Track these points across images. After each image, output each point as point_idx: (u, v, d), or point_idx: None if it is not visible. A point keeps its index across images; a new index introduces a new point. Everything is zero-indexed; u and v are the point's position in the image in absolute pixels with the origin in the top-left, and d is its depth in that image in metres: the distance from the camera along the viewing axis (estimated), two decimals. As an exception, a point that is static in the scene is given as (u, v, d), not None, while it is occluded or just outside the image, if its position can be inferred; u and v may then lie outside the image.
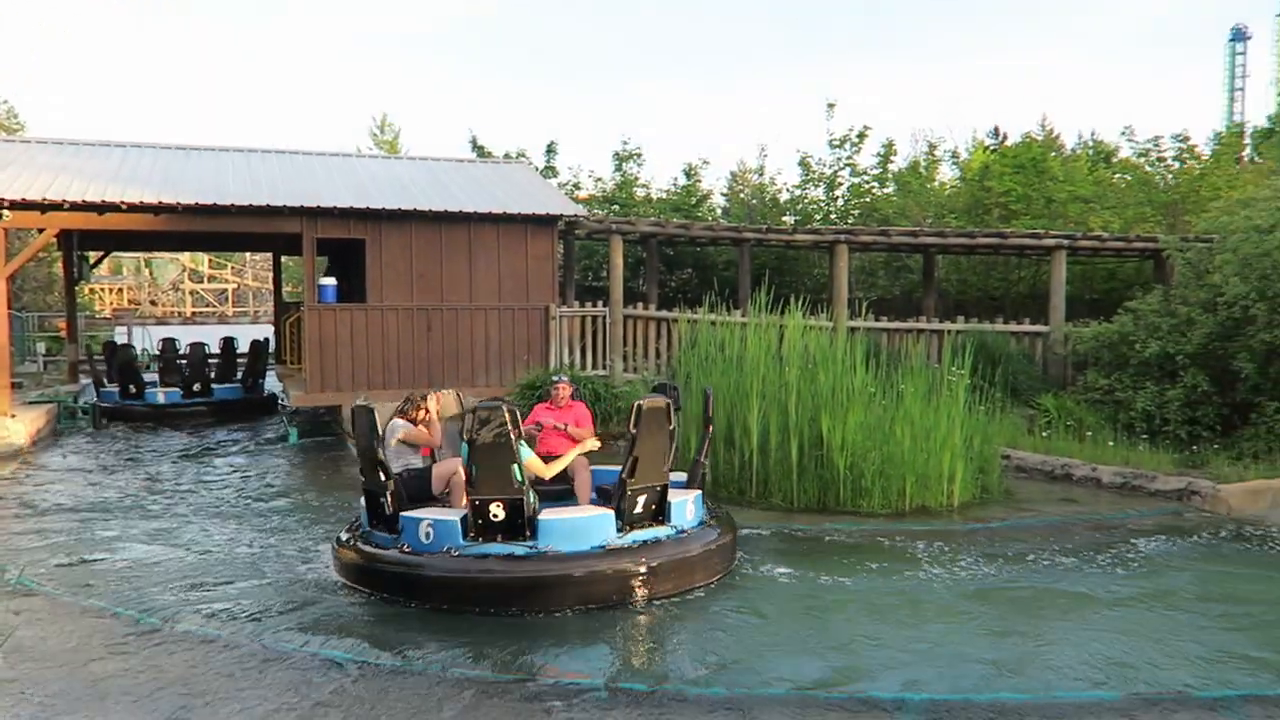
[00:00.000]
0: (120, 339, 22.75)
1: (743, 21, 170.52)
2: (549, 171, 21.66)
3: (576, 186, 22.09)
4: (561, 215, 14.19)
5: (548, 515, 6.29)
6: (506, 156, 20.59)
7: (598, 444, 7.52)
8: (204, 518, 8.82)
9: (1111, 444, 11.03)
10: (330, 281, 13.68)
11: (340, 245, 15.35)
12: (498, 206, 13.91)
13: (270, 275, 25.57)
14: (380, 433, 6.60)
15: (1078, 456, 10.73)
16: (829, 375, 9.65)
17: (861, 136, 21.59)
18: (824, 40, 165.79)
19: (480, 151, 22.01)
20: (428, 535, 6.30)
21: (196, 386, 16.07)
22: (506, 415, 6.00)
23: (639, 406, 6.44)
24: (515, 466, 6.08)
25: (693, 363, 10.62)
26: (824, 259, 19.06)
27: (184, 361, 16.38)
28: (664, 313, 14.69)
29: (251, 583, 6.79)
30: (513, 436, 6.02)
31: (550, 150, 22.05)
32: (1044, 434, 11.76)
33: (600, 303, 14.80)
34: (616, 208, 21.05)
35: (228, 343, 17.52)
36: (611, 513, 6.41)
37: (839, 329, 12.35)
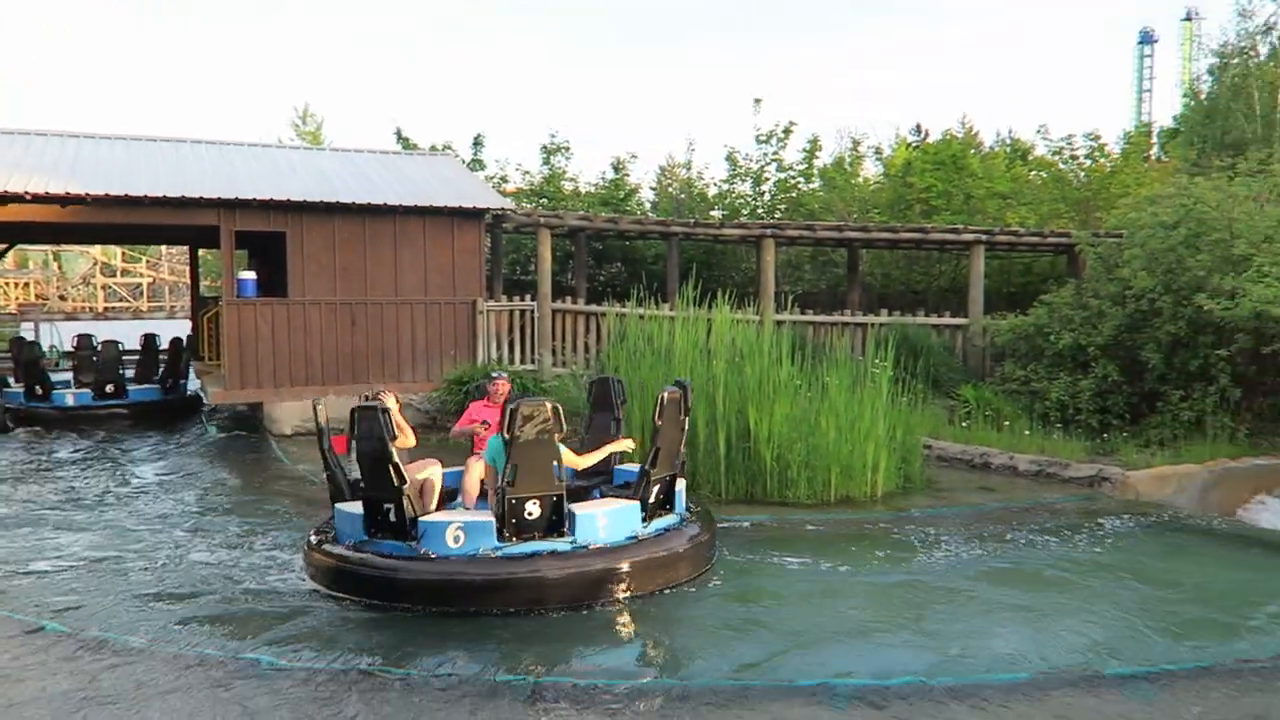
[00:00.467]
0: (28, 336, 21.73)
1: (673, 17, 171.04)
2: (476, 164, 21.42)
3: (504, 180, 21.89)
4: (489, 208, 14.06)
5: (581, 510, 6.34)
6: (433, 149, 20.29)
7: (631, 444, 7.52)
8: (143, 527, 8.43)
9: (1028, 433, 11.37)
10: (250, 275, 13.32)
11: (261, 238, 14.95)
12: (423, 199, 13.71)
13: (187, 269, 24.82)
14: (394, 434, 6.29)
15: (996, 445, 11.03)
16: (756, 368, 9.75)
17: (787, 132, 21.82)
18: (753, 36, 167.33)
19: (406, 144, 21.63)
20: (457, 539, 6.08)
21: (110, 388, 14.83)
22: (550, 411, 6.08)
23: (662, 398, 6.64)
24: (556, 463, 6.16)
25: (621, 356, 10.63)
26: (751, 253, 19.24)
27: (96, 359, 15.39)
28: (593, 306, 14.66)
29: (221, 594, 6.43)
30: (555, 434, 6.08)
31: (477, 143, 21.82)
32: (964, 424, 12.06)
33: (528, 297, 14.71)
34: (545, 201, 20.93)
35: (149, 340, 16.38)
36: (638, 503, 6.54)
37: (765, 322, 12.50)
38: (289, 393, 12.94)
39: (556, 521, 6.17)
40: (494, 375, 7.95)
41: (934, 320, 14.85)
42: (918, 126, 28.12)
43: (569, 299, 14.99)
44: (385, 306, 13.52)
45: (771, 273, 15.20)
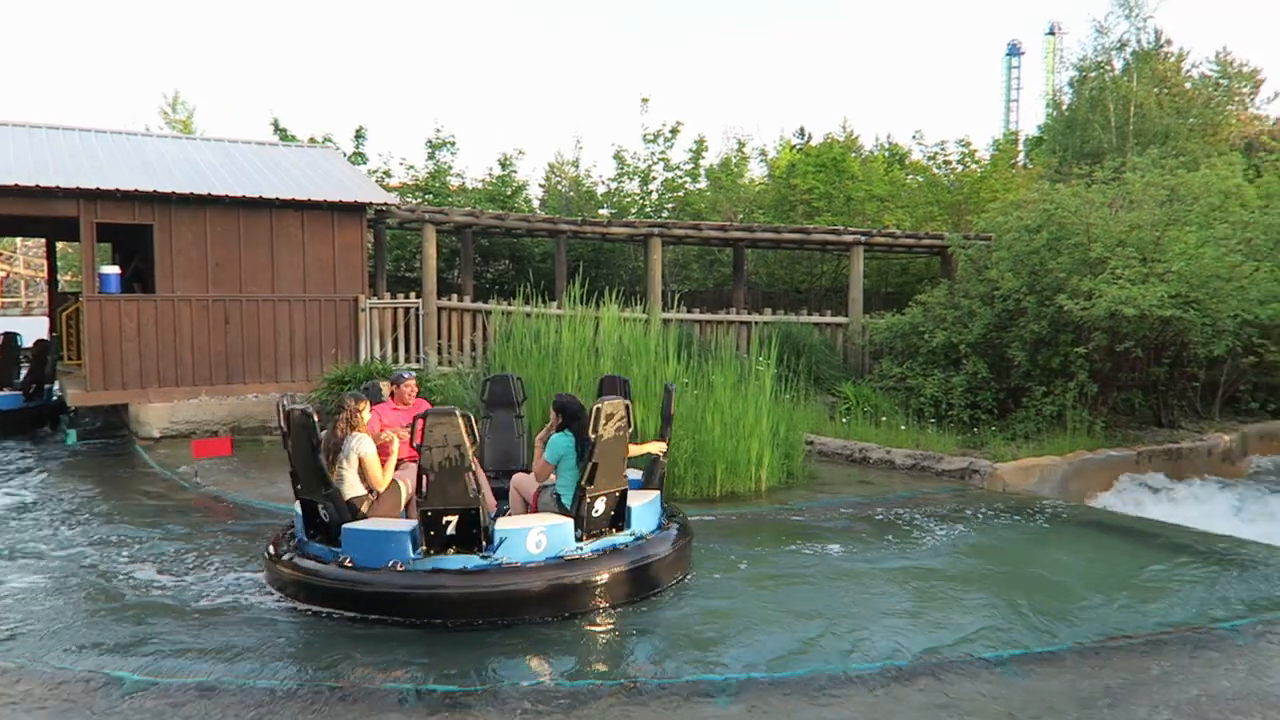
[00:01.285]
0: None
1: (560, 10, 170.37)
2: (358, 158, 20.88)
3: (387, 174, 21.41)
4: (371, 203, 13.70)
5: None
6: (312, 141, 19.67)
7: (664, 447, 7.22)
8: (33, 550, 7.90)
9: (904, 428, 11.79)
10: (113, 270, 12.61)
11: (126, 231, 14.20)
12: (302, 193, 13.27)
13: (45, 263, 23.36)
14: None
15: (874, 440, 11.40)
16: (643, 366, 9.81)
17: (675, 132, 22.06)
18: (640, 34, 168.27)
19: (284, 135, 20.92)
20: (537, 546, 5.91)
21: (-44, 394, 13.29)
22: (624, 409, 5.89)
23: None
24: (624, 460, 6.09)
25: (508, 355, 10.54)
26: (639, 252, 19.36)
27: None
28: (479, 304, 14.48)
29: (162, 617, 5.97)
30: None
31: (359, 136, 21.26)
32: (844, 420, 12.42)
33: (413, 294, 14.42)
34: (430, 197, 20.57)
35: (9, 339, 14.92)
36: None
37: (653, 321, 12.59)
38: (157, 394, 12.33)
39: (617, 517, 6.28)
40: (403, 374, 7.61)
41: (816, 319, 15.24)
42: (801, 130, 28.84)
43: (455, 297, 14.77)
44: (261, 304, 13.03)
45: (659, 271, 15.32)
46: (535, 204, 24.81)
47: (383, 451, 6.63)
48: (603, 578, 5.97)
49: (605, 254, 20.58)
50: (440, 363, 13.93)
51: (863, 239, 15.77)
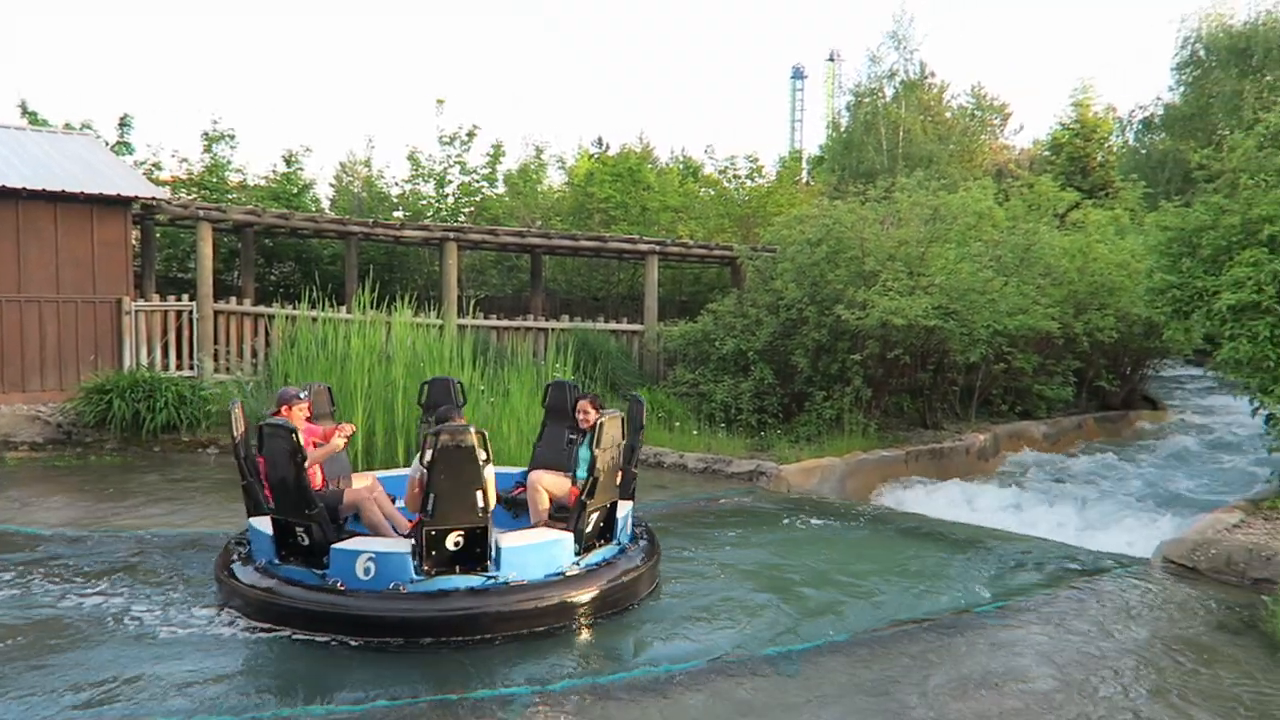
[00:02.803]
0: None
1: (354, 7, 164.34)
2: (123, 148, 19.24)
3: (158, 167, 19.83)
4: (137, 197, 12.64)
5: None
6: (68, 128, 17.90)
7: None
8: None
9: (696, 433, 12.13)
10: None
11: None
12: (55, 183, 12.04)
13: None
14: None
15: (668, 445, 11.66)
16: (436, 373, 9.56)
17: (471, 135, 21.74)
18: (437, 34, 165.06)
19: (33, 119, 18.93)
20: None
21: None
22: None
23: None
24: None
25: (292, 362, 10.00)
26: (434, 256, 18.94)
27: None
28: (261, 308, 13.65)
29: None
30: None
31: (124, 124, 19.60)
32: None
33: (186, 296, 13.41)
34: (206, 193, 19.23)
35: None
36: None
37: (448, 327, 12.32)
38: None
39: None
40: (299, 395, 6.79)
41: (613, 326, 15.42)
42: (599, 139, 29.23)
43: (234, 299, 13.85)
44: (7, 305, 11.74)
45: (455, 276, 15.02)
46: (324, 204, 23.75)
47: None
48: (598, 592, 5.94)
49: (399, 258, 19.99)
50: (217, 370, 13.03)
51: (657, 248, 16.12)
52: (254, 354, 13.33)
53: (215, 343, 13.16)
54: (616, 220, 20.79)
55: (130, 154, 19.45)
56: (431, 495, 5.50)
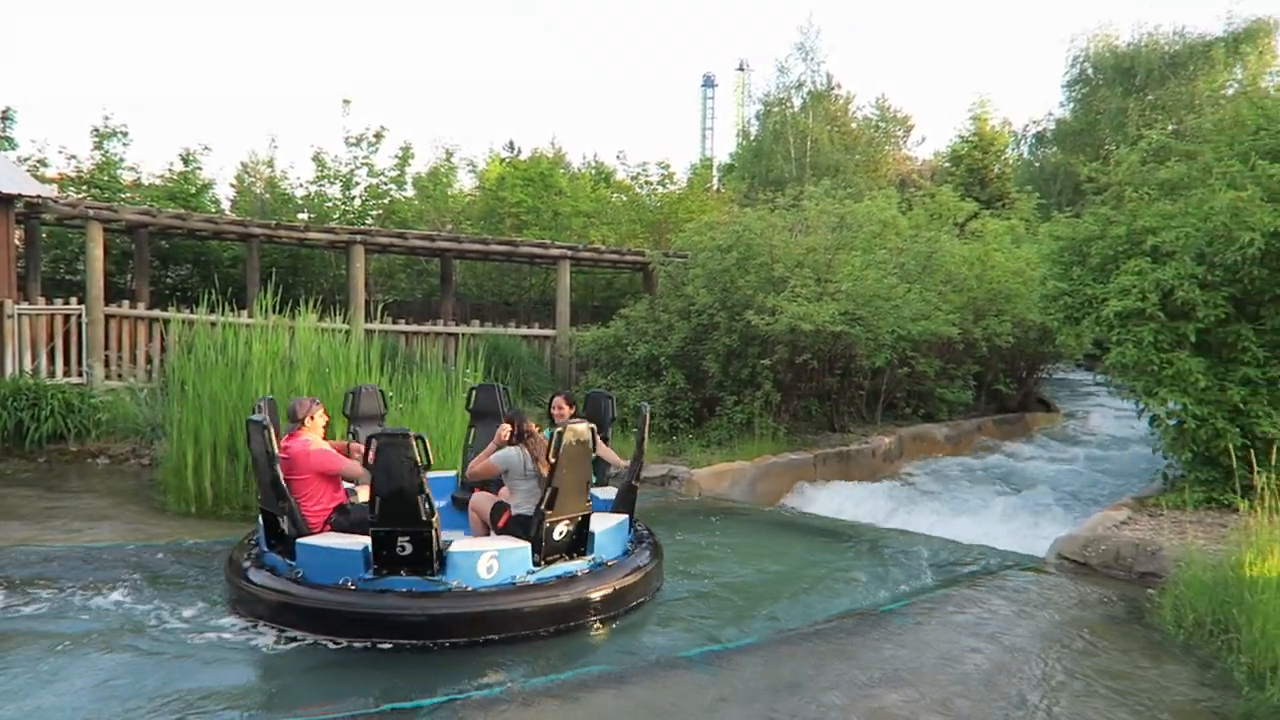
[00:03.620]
0: None
1: (251, 8, 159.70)
2: (4, 143, 18.27)
3: (43, 164, 18.89)
4: (20, 194, 12.02)
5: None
6: (-56, 120, 16.94)
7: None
8: None
9: (608, 437, 12.10)
10: None
11: None
12: (-72, 179, 11.38)
13: None
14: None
15: (580, 450, 11.59)
16: (343, 379, 9.35)
17: (379, 137, 21.30)
18: (341, 33, 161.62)
19: (-95, 110, 17.86)
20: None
21: None
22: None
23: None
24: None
25: (189, 369, 9.61)
26: (341, 260, 18.51)
27: None
28: (156, 312, 13.12)
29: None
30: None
31: (6, 118, 18.63)
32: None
33: (75, 299, 12.80)
34: (97, 191, 18.40)
35: None
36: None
37: (354, 331, 12.05)
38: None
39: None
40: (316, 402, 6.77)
41: (524, 331, 15.32)
42: (511, 143, 29.02)
43: (127, 303, 13.26)
44: (-128, 308, 11.00)
45: (362, 280, 14.70)
46: (225, 205, 22.97)
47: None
48: (551, 604, 5.82)
49: (304, 261, 19.48)
50: (109, 377, 12.46)
51: (569, 253, 16.08)
52: (148, 360, 12.80)
53: (106, 348, 12.59)
54: (528, 225, 20.66)
55: (13, 149, 18.49)
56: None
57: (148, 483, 9.90)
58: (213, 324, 10.52)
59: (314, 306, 10.62)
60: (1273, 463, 7.78)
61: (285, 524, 6.04)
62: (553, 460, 5.98)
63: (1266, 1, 48.15)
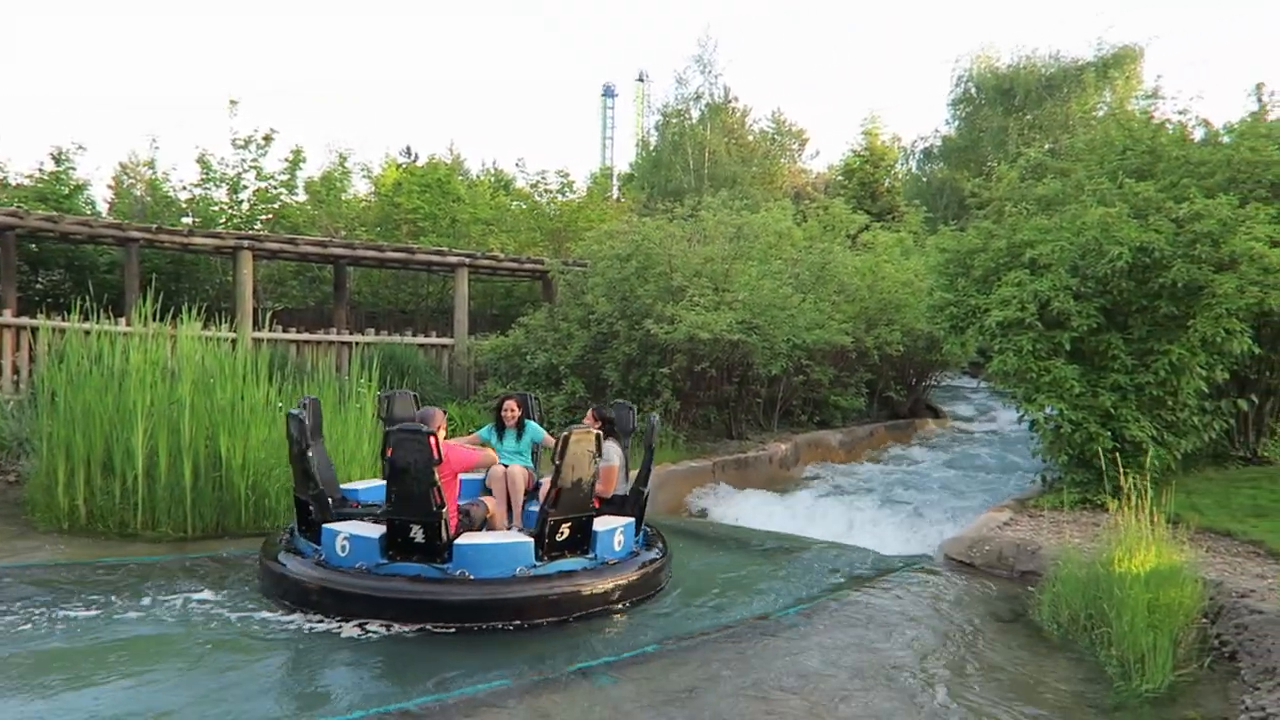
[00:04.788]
0: None
1: (127, 6, 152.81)
2: None
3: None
4: None
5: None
6: None
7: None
8: None
9: (507, 447, 11.97)
10: None
11: None
12: None
13: None
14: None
15: (478, 461, 11.44)
16: (229, 390, 9.00)
17: (268, 139, 20.60)
18: (227, 32, 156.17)
19: None
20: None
21: None
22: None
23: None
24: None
25: (61, 379, 9.10)
26: (227, 265, 17.84)
27: None
28: (24, 319, 12.39)
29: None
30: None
31: None
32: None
33: (-68, 306, 11.99)
34: (-41, 192, 17.30)
35: None
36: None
37: (242, 340, 11.62)
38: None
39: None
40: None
41: (421, 340, 15.05)
42: (408, 149, 28.52)
43: (-8, 310, 12.48)
44: None
45: (250, 287, 14.21)
46: (101, 207, 21.89)
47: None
48: (550, 596, 6.24)
49: (187, 267, 18.67)
50: (-30, 388, 11.69)
51: (467, 261, 15.89)
52: (15, 370, 12.08)
53: (-32, 358, 11.81)
54: (425, 232, 20.32)
55: None
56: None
57: (13, 501, 9.34)
58: (86, 332, 10.00)
59: (198, 314, 10.20)
60: (1144, 464, 8.24)
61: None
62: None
63: (1133, 30, 51.21)
